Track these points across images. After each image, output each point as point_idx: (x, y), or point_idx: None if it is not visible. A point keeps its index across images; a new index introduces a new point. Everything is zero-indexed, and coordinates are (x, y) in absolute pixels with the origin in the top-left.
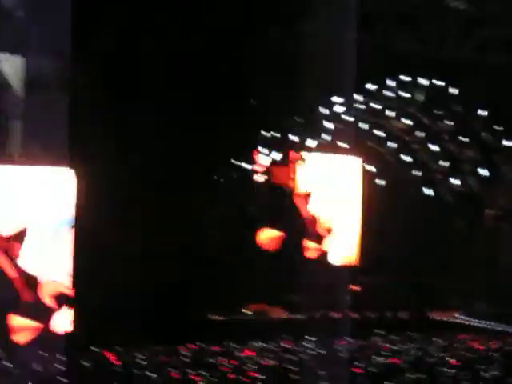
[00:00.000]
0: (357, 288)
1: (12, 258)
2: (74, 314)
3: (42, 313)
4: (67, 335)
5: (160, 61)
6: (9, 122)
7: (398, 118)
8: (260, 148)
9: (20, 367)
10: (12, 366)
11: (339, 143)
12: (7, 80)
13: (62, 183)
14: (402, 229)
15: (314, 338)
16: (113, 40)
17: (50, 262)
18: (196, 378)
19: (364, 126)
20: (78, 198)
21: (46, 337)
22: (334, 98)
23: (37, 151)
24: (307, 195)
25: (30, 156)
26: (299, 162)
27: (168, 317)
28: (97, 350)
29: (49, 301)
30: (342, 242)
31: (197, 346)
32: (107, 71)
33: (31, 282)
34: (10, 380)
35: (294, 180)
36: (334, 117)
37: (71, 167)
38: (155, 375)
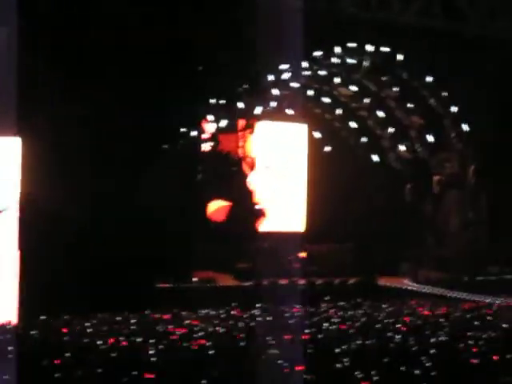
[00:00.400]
0: (304, 255)
1: None
2: (23, 285)
3: None
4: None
5: (109, 29)
6: None
7: (344, 84)
8: (208, 116)
9: None
10: None
11: (287, 110)
12: None
13: (8, 153)
14: (350, 196)
15: (262, 306)
16: (62, 8)
17: None
18: (145, 346)
19: (311, 92)
20: (25, 168)
21: None
22: (282, 65)
23: None
24: (254, 163)
25: None
26: (248, 129)
27: (117, 285)
28: (45, 318)
29: None
30: (289, 210)
31: (146, 313)
32: (57, 39)
33: None
34: None
35: (242, 148)
36: (282, 84)
37: (19, 136)
38: (103, 343)
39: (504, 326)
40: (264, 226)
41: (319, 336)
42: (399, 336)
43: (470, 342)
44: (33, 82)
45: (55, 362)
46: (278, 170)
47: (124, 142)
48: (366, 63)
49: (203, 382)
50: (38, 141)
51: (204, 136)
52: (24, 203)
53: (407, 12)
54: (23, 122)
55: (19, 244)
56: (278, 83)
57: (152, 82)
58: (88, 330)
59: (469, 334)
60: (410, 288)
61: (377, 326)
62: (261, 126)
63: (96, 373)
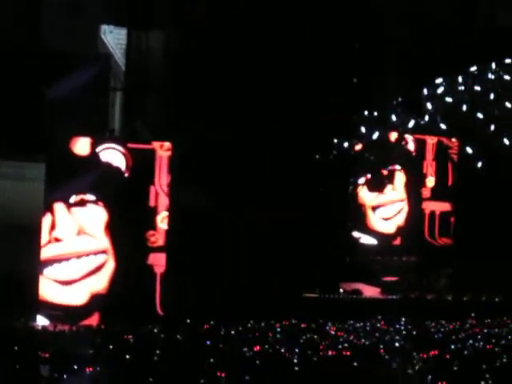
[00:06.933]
0: (452, 270)
1: None
2: (170, 289)
3: None
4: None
5: (261, 37)
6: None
7: (499, 100)
8: (362, 128)
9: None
10: None
11: (439, 124)
12: (111, 51)
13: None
14: (500, 211)
15: (407, 319)
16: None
17: None
18: (289, 355)
19: (464, 107)
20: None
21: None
22: (437, 80)
23: (136, 124)
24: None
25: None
26: (400, 142)
27: (263, 293)
28: (190, 323)
29: None
30: (437, 224)
31: (291, 322)
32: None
33: None
34: None
35: (393, 159)
36: (436, 98)
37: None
38: (248, 350)
39: None
40: (412, 238)
41: (465, 352)
42: None
43: None
44: (186, 87)
45: (198, 367)
46: (430, 183)
47: (276, 150)
48: None
49: None
50: (188, 145)
51: (356, 148)
52: (172, 207)
53: None
54: (174, 127)
55: (167, 247)
56: (433, 97)
57: (305, 90)
58: (233, 337)
59: None
60: None
61: None
62: (413, 139)
63: (240, 379)
